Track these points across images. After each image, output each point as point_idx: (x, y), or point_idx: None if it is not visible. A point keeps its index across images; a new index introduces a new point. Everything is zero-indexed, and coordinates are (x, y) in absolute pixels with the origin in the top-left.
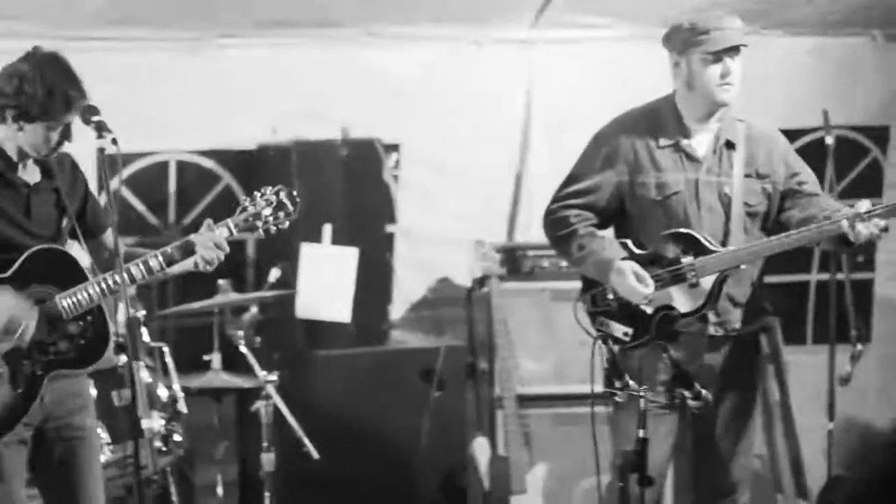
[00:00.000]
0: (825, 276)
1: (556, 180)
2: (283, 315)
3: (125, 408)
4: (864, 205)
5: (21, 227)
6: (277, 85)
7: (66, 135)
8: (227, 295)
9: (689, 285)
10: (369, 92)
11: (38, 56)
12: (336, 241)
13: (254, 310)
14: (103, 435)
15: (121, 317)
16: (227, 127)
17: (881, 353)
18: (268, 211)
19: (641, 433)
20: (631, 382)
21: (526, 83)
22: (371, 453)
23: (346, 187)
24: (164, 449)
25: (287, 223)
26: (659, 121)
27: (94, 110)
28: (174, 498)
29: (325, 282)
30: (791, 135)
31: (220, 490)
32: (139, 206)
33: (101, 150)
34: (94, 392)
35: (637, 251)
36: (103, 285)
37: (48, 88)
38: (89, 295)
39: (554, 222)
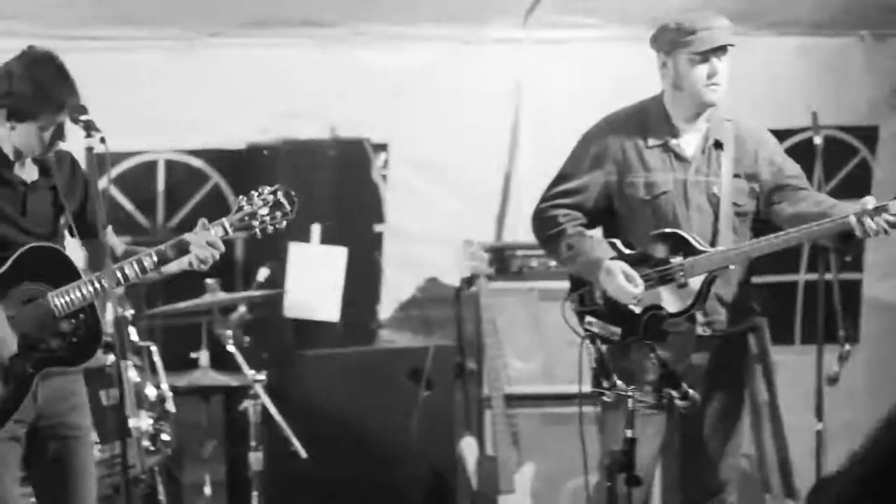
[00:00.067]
0: (813, 277)
1: (544, 180)
2: (271, 314)
3: (113, 407)
4: (870, 201)
5: (16, 224)
6: (266, 85)
7: (58, 134)
8: (215, 294)
9: (678, 285)
10: (358, 92)
11: (31, 55)
12: (325, 240)
13: (242, 309)
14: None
15: (109, 316)
16: (215, 126)
17: (869, 354)
18: (264, 210)
19: (629, 433)
20: (619, 382)
21: (515, 83)
22: (359, 453)
23: (335, 187)
24: (151, 448)
25: (284, 223)
26: (647, 121)
27: (82, 109)
28: (162, 497)
29: (313, 281)
30: (780, 135)
31: (207, 489)
32: (128, 206)
33: (90, 149)
34: None
35: (626, 251)
36: (96, 284)
37: (38, 88)
38: (82, 294)
39: (542, 222)
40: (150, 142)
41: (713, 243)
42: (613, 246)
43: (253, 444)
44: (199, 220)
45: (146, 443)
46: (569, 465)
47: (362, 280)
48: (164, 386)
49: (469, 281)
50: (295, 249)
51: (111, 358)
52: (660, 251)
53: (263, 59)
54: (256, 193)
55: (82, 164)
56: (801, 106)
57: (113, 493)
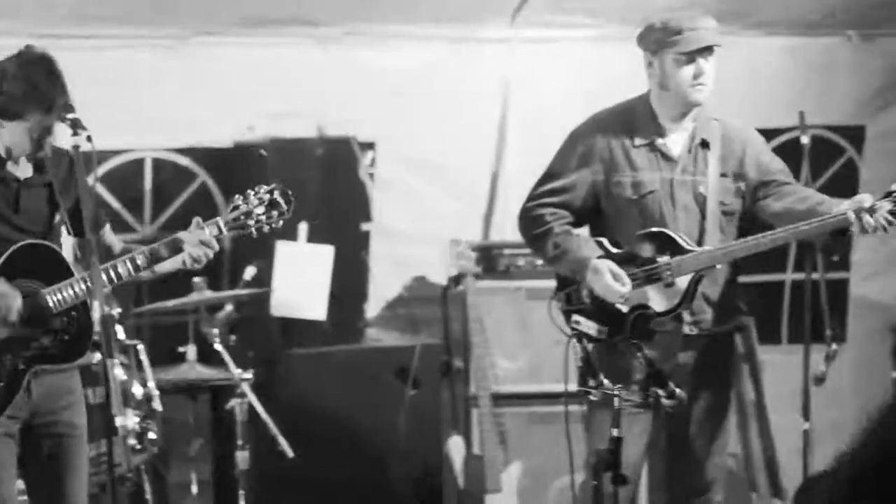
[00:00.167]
0: (800, 276)
1: (532, 179)
2: (258, 313)
3: (99, 405)
4: (867, 198)
5: (9, 221)
6: (254, 83)
7: (47, 135)
8: (202, 293)
9: (665, 284)
10: (346, 90)
11: (25, 56)
12: (312, 239)
13: (229, 308)
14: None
15: (95, 314)
16: (203, 125)
17: (856, 353)
18: (260, 210)
19: (615, 432)
20: (605, 381)
21: (503, 82)
22: (346, 451)
23: (322, 185)
24: (138, 447)
25: (281, 222)
26: (634, 120)
27: (68, 108)
28: (148, 496)
29: (300, 280)
30: (767, 134)
31: (194, 488)
32: (115, 204)
33: (76, 148)
34: None
35: (613, 250)
36: (89, 282)
37: (29, 88)
38: (74, 291)
39: (529, 221)
40: (138, 140)
41: (700, 242)
42: (600, 245)
43: (239, 442)
44: (184, 218)
45: (132, 441)
46: (555, 464)
47: (349, 279)
48: (151, 384)
49: (456, 280)
50: (282, 248)
51: (98, 356)
52: (647, 250)
53: (250, 59)
54: (252, 192)
55: None
56: (788, 105)
57: (99, 492)
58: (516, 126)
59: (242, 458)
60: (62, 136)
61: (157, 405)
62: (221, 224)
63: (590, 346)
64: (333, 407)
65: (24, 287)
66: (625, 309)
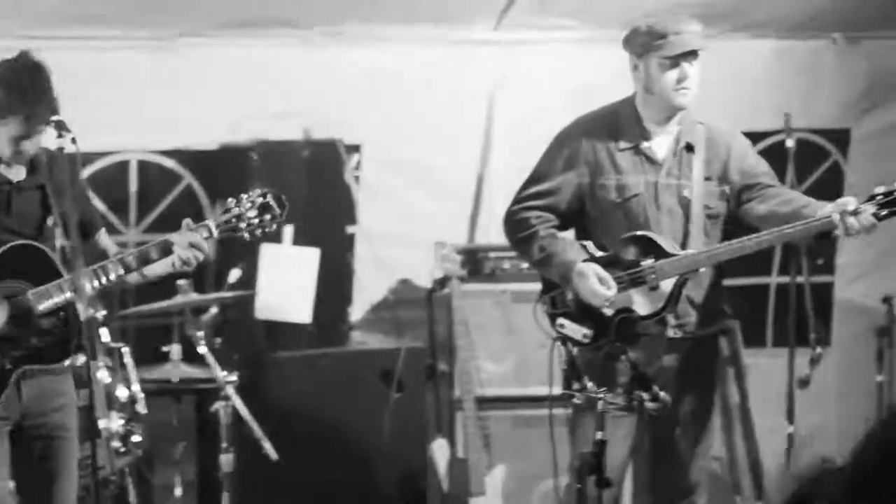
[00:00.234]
0: (785, 279)
1: (517, 182)
2: (243, 316)
3: (83, 408)
4: (851, 201)
5: (1, 224)
6: (239, 85)
7: (22, 141)
8: (187, 295)
9: (650, 288)
10: (331, 92)
11: (16, 62)
12: (297, 241)
13: (214, 310)
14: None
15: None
16: (188, 127)
17: (840, 357)
18: (252, 213)
19: (600, 435)
20: (589, 384)
21: (489, 84)
22: (330, 454)
23: (308, 188)
24: (122, 449)
25: (274, 226)
26: (619, 123)
27: (54, 110)
28: (132, 498)
29: (285, 283)
30: (752, 137)
31: (178, 490)
32: (100, 206)
33: (61, 150)
34: None
35: (597, 253)
36: (72, 285)
37: (12, 94)
38: (62, 292)
39: (514, 224)
40: (123, 142)
41: (684, 246)
42: (585, 248)
43: (224, 445)
44: (169, 220)
45: (116, 444)
46: (540, 468)
47: (334, 281)
48: (136, 387)
49: (441, 283)
50: (267, 251)
51: (82, 358)
52: (631, 254)
53: (235, 61)
54: (246, 196)
55: None
56: (774, 108)
57: (83, 494)
58: (502, 128)
59: (227, 460)
60: (48, 139)
61: (142, 408)
62: (212, 226)
63: (574, 350)
64: (318, 410)
65: (11, 288)
66: (609, 312)
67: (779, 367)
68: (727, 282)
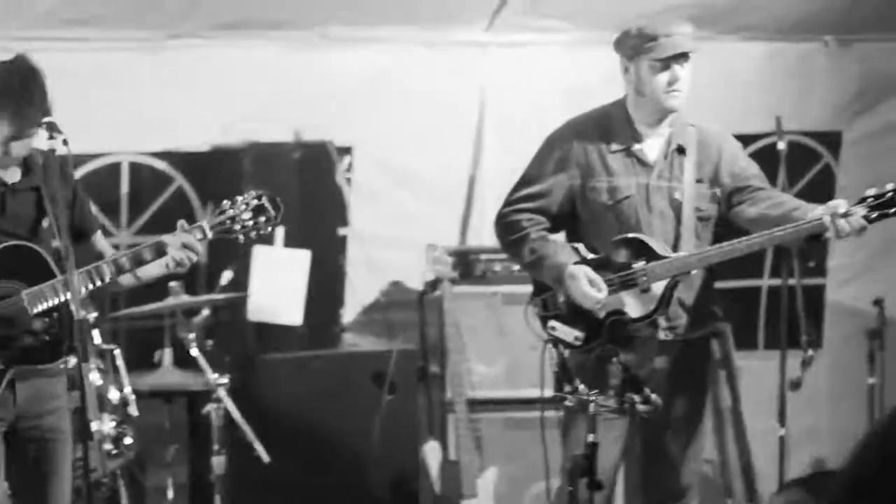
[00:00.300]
0: (777, 282)
1: (509, 184)
2: (234, 318)
3: (75, 410)
4: (841, 204)
5: None
6: (231, 87)
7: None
8: (178, 297)
9: (641, 290)
10: (323, 94)
11: (10, 64)
12: (288, 243)
13: (205, 312)
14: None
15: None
16: (179, 128)
17: (832, 359)
18: (247, 215)
19: (591, 437)
20: (581, 387)
21: (480, 86)
22: (322, 457)
23: (299, 190)
24: (114, 451)
25: (269, 228)
26: (611, 125)
27: (45, 112)
28: (124, 501)
29: (277, 285)
30: (743, 140)
31: (170, 493)
32: (91, 208)
33: (52, 151)
34: None
35: (589, 255)
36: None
37: (1, 97)
38: (56, 293)
39: (506, 226)
40: (114, 143)
41: (675, 248)
42: (576, 250)
43: (216, 447)
44: (161, 222)
45: (108, 446)
46: (531, 470)
47: (326, 283)
48: (127, 389)
49: (433, 285)
50: (258, 252)
51: (73, 360)
52: (622, 256)
53: (227, 62)
54: (241, 198)
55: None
56: (765, 111)
57: (75, 497)
58: (493, 130)
59: (218, 462)
60: (39, 140)
61: (133, 410)
62: (206, 228)
63: (566, 352)
64: (309, 412)
65: (5, 288)
66: (601, 315)
67: (770, 369)
68: (719, 284)
